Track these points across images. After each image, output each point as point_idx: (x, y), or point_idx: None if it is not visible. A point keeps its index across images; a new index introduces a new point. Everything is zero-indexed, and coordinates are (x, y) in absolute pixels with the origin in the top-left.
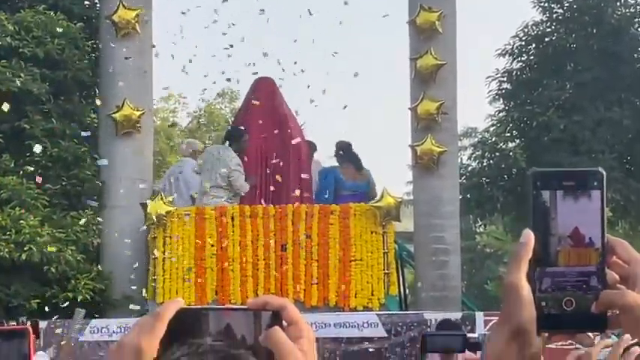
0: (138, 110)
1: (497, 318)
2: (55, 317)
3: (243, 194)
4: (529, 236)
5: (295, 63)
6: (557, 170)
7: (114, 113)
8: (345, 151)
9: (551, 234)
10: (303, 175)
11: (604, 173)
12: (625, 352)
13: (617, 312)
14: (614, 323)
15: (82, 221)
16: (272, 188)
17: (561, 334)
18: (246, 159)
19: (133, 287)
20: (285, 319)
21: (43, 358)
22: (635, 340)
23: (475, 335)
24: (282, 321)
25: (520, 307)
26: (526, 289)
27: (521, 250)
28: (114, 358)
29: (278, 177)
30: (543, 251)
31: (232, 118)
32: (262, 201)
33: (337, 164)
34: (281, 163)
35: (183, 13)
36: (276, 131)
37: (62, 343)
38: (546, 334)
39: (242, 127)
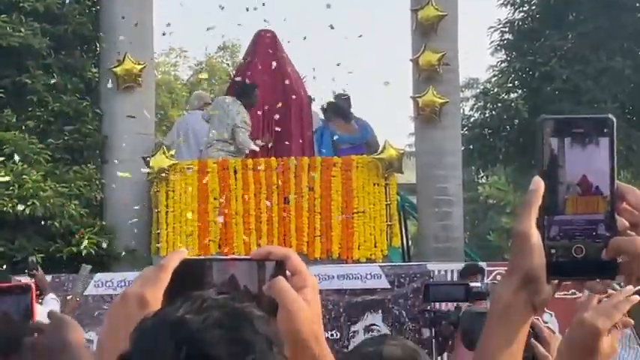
0: (139, 64)
1: (500, 268)
2: (60, 272)
3: (246, 152)
4: (539, 184)
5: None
6: (566, 117)
7: (115, 67)
8: (329, 107)
9: (560, 182)
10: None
11: (614, 120)
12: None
13: (627, 259)
14: (623, 270)
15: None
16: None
17: (571, 281)
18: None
19: (137, 241)
20: (288, 268)
21: (53, 301)
22: (637, 288)
23: (479, 284)
24: (285, 271)
25: (530, 255)
26: (536, 236)
27: (531, 197)
28: (118, 310)
29: (277, 128)
30: (551, 199)
31: (234, 72)
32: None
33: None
34: (276, 116)
35: None
36: (277, 84)
37: (67, 297)
38: (556, 282)
39: (253, 83)
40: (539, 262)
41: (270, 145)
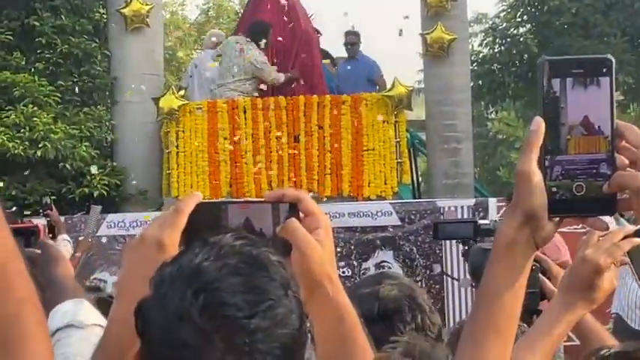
0: (147, 4)
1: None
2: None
3: (280, 82)
4: (539, 124)
5: None
6: (566, 58)
7: (122, 8)
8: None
9: (561, 123)
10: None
11: (613, 60)
12: (624, 239)
13: (627, 195)
14: (623, 207)
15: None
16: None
17: (572, 217)
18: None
19: (148, 182)
20: (302, 210)
21: (65, 241)
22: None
23: (487, 222)
24: (299, 212)
25: (531, 193)
26: (537, 175)
27: (532, 137)
28: (137, 253)
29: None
30: (553, 140)
31: (241, 10)
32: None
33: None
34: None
35: None
36: (285, 20)
37: (80, 238)
38: (557, 219)
39: (267, 23)
40: (540, 200)
41: (298, 79)
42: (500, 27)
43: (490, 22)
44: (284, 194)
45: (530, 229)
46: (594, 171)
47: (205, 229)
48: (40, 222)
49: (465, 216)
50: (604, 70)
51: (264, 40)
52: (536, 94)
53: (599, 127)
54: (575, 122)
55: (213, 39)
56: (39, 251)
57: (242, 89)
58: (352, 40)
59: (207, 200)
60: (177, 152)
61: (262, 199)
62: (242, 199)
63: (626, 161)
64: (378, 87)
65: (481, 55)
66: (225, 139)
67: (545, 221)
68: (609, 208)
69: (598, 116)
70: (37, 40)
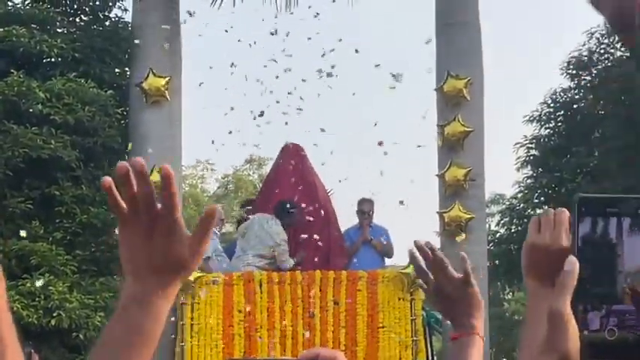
0: None
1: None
2: None
3: (286, 268)
4: (574, 264)
5: (323, 130)
6: (607, 196)
7: None
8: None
9: (619, 270)
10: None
11: None
12: None
13: None
14: None
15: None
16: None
17: None
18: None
19: (161, 354)
20: None
21: None
22: None
23: None
24: None
25: (565, 336)
26: (572, 317)
27: (568, 278)
28: None
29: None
30: (609, 288)
31: (260, 185)
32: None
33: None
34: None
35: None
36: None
37: None
38: None
39: (292, 202)
40: (575, 344)
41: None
42: (517, 207)
43: (507, 203)
44: (319, 354)
45: None
46: (623, 322)
47: None
48: None
49: None
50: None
51: (290, 220)
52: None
53: None
54: (631, 270)
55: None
56: None
57: (261, 264)
58: (368, 208)
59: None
60: (192, 325)
61: (295, 358)
62: (273, 358)
63: None
64: (384, 255)
65: (498, 235)
66: (239, 311)
67: None
68: None
69: None
70: (56, 209)
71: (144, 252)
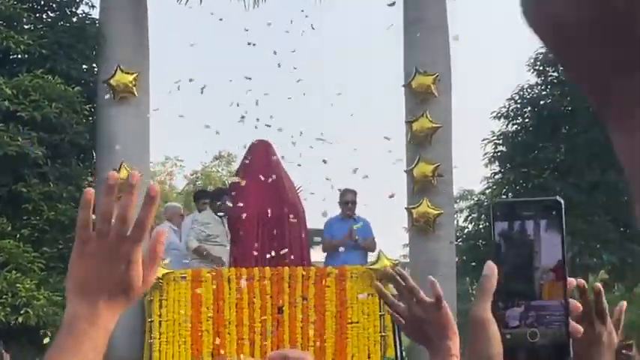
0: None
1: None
2: None
3: (219, 264)
4: (493, 269)
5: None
6: (517, 200)
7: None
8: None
9: (535, 267)
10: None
11: (562, 202)
12: None
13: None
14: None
15: None
16: (272, 253)
17: None
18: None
19: (130, 351)
20: None
21: None
22: None
23: None
24: None
25: (489, 342)
26: (494, 323)
27: (487, 283)
28: None
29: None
30: (527, 284)
31: (229, 181)
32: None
33: None
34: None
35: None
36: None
37: None
38: None
39: (223, 188)
40: (498, 349)
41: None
42: (485, 203)
43: (476, 199)
44: (287, 355)
45: None
46: (543, 318)
47: None
48: None
49: None
50: (553, 212)
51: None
52: None
53: (560, 269)
54: (547, 267)
55: (162, 210)
56: None
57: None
58: (351, 198)
59: None
60: (160, 321)
61: None
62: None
63: (580, 307)
64: (369, 250)
65: (466, 230)
66: (207, 308)
67: None
68: (564, 354)
69: (557, 259)
70: (23, 206)
71: (98, 274)
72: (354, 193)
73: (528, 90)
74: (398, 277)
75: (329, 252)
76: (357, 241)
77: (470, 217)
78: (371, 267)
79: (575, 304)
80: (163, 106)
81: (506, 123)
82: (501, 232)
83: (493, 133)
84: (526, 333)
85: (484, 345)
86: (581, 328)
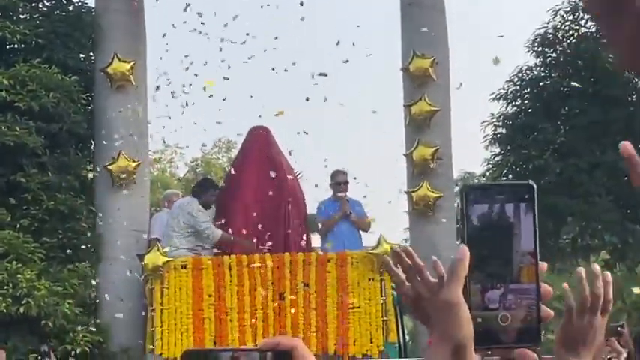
0: (134, 162)
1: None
2: None
3: (213, 246)
4: (465, 252)
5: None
6: (492, 183)
7: (109, 165)
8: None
9: (515, 250)
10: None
11: (535, 186)
12: None
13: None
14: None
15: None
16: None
17: (498, 348)
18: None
19: (131, 339)
20: (296, 358)
21: None
22: None
23: None
24: None
25: (459, 324)
26: (465, 306)
27: (459, 266)
28: None
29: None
30: (505, 267)
31: (229, 167)
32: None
33: None
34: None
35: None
36: (272, 175)
37: None
38: (489, 352)
39: (209, 179)
40: (468, 331)
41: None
42: None
43: (476, 181)
44: (279, 342)
45: None
46: (520, 301)
47: None
48: None
49: None
50: (526, 196)
51: (205, 198)
52: None
53: (532, 253)
54: (526, 250)
55: (175, 199)
56: None
57: (185, 245)
58: (343, 179)
59: (194, 348)
60: (162, 309)
61: (254, 347)
62: (230, 347)
63: (550, 291)
64: (359, 229)
65: None
66: (209, 295)
67: (472, 353)
68: (534, 337)
69: (530, 243)
70: (22, 196)
71: None
72: (345, 173)
73: (527, 71)
74: (403, 254)
75: (324, 233)
76: (350, 215)
77: None
78: (371, 252)
79: (546, 288)
80: (160, 95)
81: (506, 105)
82: (477, 215)
83: (492, 115)
84: (497, 316)
85: (455, 327)
86: (551, 312)
